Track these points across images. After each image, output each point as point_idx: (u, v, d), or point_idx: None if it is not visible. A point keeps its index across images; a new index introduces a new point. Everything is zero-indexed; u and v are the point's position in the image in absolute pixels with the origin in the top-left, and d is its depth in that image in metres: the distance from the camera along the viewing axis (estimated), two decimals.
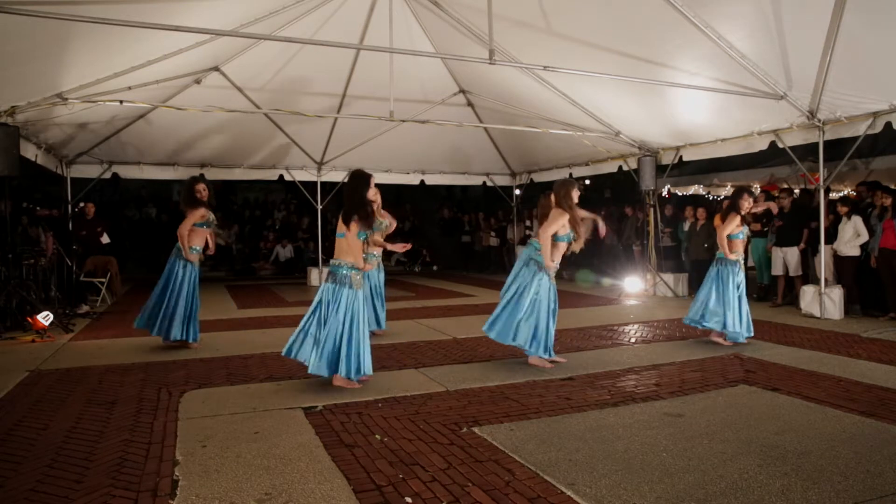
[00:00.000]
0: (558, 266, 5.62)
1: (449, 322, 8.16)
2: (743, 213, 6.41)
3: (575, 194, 5.51)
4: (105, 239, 10.41)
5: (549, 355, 5.55)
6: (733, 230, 6.40)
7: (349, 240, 4.72)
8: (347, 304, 4.68)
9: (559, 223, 5.44)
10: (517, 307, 5.44)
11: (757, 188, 12.97)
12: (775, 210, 7.78)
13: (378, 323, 6.82)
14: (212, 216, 6.43)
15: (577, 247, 5.57)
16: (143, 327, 6.34)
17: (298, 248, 17.61)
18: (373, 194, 4.93)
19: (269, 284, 14.03)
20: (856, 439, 3.60)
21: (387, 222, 6.71)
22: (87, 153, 11.22)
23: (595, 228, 5.85)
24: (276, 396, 4.58)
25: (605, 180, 14.44)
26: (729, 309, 6.27)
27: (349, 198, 4.84)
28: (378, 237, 6.42)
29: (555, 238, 5.47)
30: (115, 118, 9.86)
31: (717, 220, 10.46)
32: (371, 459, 3.36)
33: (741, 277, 6.44)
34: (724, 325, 6.30)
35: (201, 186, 6.42)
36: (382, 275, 7.00)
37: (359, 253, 4.78)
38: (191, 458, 3.38)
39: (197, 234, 6.38)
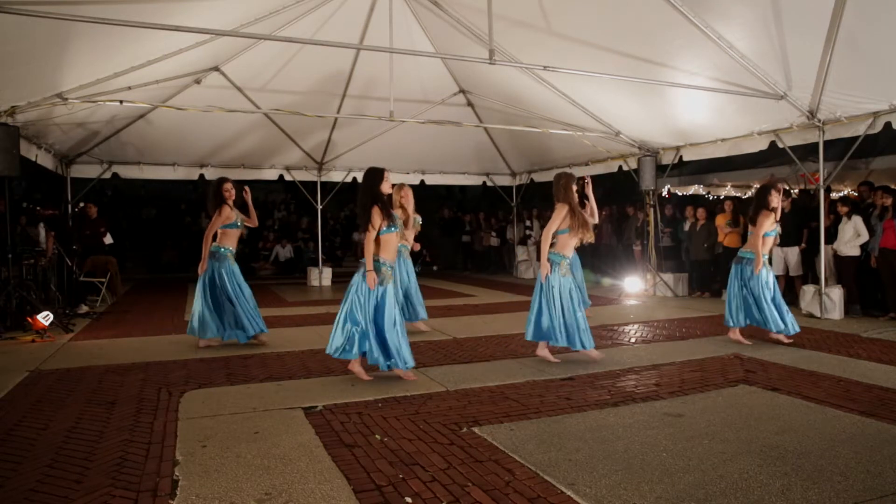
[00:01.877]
0: (569, 259, 5.59)
1: (449, 322, 8.17)
2: (772, 208, 6.26)
3: (574, 188, 5.51)
4: (108, 239, 10.42)
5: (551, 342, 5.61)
6: (769, 228, 6.29)
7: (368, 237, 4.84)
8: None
9: (560, 218, 5.46)
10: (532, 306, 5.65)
11: (756, 188, 12.96)
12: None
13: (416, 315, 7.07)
14: (239, 217, 6.42)
15: (586, 237, 5.56)
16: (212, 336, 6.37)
17: (298, 248, 17.62)
18: (388, 188, 4.93)
19: (269, 285, 14.02)
20: (856, 439, 3.60)
21: (420, 219, 7.02)
22: (87, 153, 11.23)
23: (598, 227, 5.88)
24: (276, 396, 4.58)
25: (605, 180, 14.45)
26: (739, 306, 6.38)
27: (362, 194, 4.89)
28: (409, 233, 6.64)
29: (557, 232, 5.50)
30: (114, 118, 9.87)
31: (718, 220, 10.56)
32: (371, 459, 3.35)
33: (763, 275, 6.37)
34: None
35: (229, 186, 6.38)
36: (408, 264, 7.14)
37: (383, 249, 4.92)
38: (191, 458, 3.38)
39: (227, 236, 6.39)
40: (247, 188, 6.72)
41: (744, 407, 4.29)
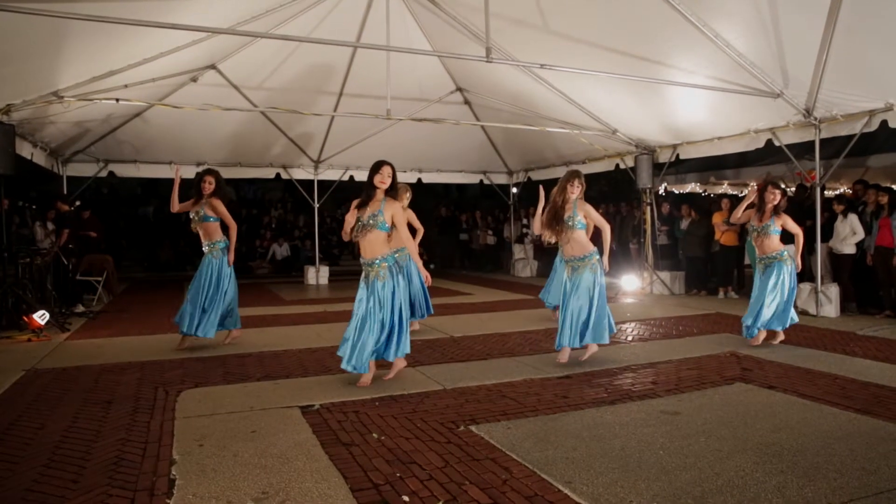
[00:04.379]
0: (564, 258, 5.60)
1: (446, 320, 8.16)
2: (768, 206, 6.18)
3: (569, 186, 5.45)
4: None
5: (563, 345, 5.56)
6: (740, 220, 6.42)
7: None
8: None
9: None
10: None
11: (753, 186, 13.01)
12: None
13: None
14: (201, 210, 6.15)
15: (549, 237, 5.57)
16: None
17: (295, 246, 17.60)
18: (378, 180, 4.69)
19: (266, 283, 14.01)
20: (851, 437, 3.62)
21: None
22: (83, 151, 11.20)
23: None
24: (274, 395, 4.58)
25: (603, 178, 14.50)
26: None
27: None
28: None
29: None
30: (111, 116, 9.84)
31: (715, 218, 10.57)
32: (368, 458, 3.35)
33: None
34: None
35: (207, 178, 6.24)
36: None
37: (360, 244, 4.76)
38: (188, 457, 3.38)
39: (199, 229, 6.24)
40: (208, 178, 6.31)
41: (740, 405, 4.30)
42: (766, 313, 6.15)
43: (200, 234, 6.29)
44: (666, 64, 7.78)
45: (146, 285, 13.32)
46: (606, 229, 5.65)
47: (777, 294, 6.15)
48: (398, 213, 4.73)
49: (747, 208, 6.34)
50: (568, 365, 5.48)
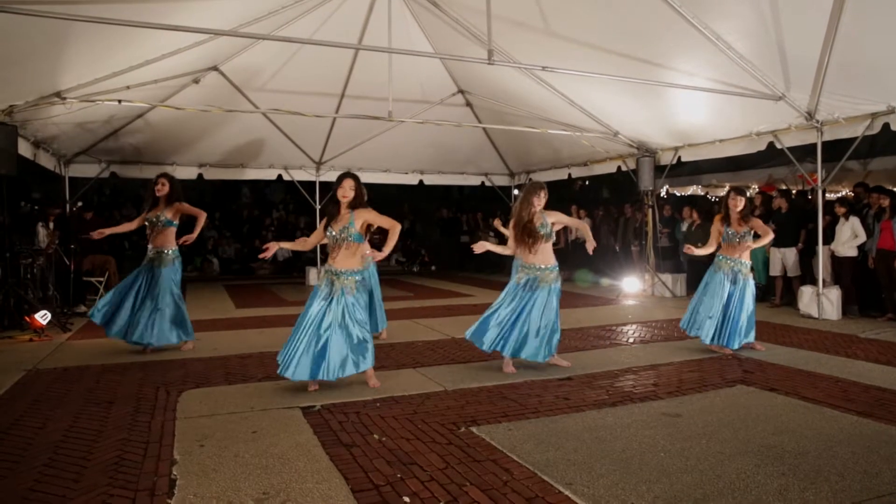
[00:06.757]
0: (527, 266, 5.44)
1: (447, 322, 8.17)
2: (733, 212, 6.16)
3: (535, 199, 5.31)
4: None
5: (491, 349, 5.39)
6: (716, 232, 6.28)
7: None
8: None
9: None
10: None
11: (755, 189, 13.04)
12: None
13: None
14: (161, 215, 6.06)
15: (521, 253, 5.43)
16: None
17: None
18: (340, 194, 4.67)
19: (268, 284, 14.02)
20: (853, 439, 3.61)
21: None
22: (85, 153, 11.20)
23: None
24: (275, 396, 4.58)
25: (604, 181, 14.48)
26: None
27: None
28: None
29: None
30: (113, 118, 9.85)
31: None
32: (369, 459, 3.36)
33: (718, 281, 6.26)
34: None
35: (161, 181, 6.10)
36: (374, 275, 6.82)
37: (331, 254, 4.74)
38: (189, 457, 3.38)
39: (155, 234, 6.13)
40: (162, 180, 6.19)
41: (742, 407, 4.29)
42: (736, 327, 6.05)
43: (154, 239, 6.11)
44: (667, 66, 7.78)
45: None
46: (582, 224, 5.74)
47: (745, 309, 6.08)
48: (370, 215, 4.71)
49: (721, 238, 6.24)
50: (569, 367, 5.48)
